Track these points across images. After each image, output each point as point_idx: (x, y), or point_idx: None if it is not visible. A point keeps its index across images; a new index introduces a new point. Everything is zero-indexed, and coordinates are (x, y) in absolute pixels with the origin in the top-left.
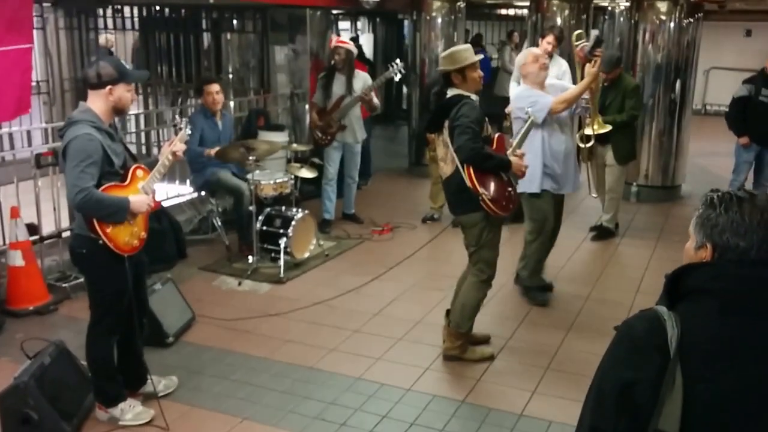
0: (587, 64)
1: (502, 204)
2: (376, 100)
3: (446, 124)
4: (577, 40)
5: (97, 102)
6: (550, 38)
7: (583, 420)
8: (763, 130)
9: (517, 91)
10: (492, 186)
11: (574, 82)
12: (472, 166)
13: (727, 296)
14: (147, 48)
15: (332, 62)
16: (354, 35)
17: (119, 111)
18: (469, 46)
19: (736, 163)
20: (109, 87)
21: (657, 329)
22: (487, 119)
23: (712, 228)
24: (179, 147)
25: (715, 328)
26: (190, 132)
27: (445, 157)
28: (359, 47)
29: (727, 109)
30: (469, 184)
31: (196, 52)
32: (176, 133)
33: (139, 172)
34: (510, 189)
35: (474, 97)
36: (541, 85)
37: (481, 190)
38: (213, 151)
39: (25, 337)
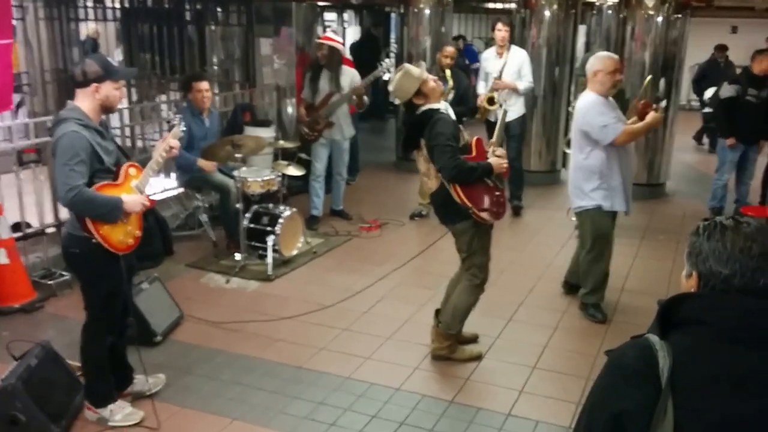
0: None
1: (492, 211)
2: (365, 98)
3: (422, 141)
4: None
5: (84, 100)
6: (499, 25)
7: None
8: (749, 129)
9: (590, 101)
10: (480, 197)
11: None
12: (458, 183)
13: (719, 328)
14: (129, 40)
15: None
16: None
17: (107, 109)
18: (407, 65)
19: (720, 162)
20: (94, 85)
21: (649, 359)
22: (462, 127)
23: (696, 256)
24: (174, 143)
25: (707, 360)
26: (184, 129)
27: (428, 172)
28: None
29: (710, 108)
30: (458, 200)
31: (180, 44)
32: (169, 130)
33: (132, 170)
34: (498, 193)
35: (443, 106)
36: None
37: (470, 204)
38: (204, 163)
39: (11, 335)
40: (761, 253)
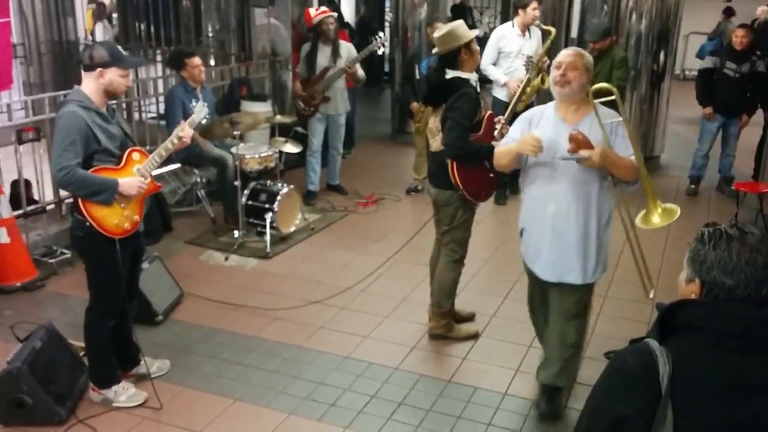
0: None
1: (481, 194)
2: (360, 72)
3: (443, 105)
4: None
5: (89, 84)
6: (534, 4)
7: None
8: (727, 101)
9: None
10: (474, 179)
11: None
12: (458, 162)
13: (719, 335)
14: (125, 9)
15: (316, 33)
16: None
17: (111, 95)
18: (459, 21)
19: (701, 132)
20: (99, 69)
21: (649, 365)
22: (482, 102)
23: (700, 264)
24: (187, 132)
25: (706, 366)
26: (207, 115)
27: (435, 132)
28: (339, 13)
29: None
30: (451, 178)
31: (175, 14)
32: (185, 118)
33: (136, 155)
34: (492, 175)
35: (474, 79)
36: (563, 103)
37: (461, 186)
38: (200, 139)
39: (13, 314)
40: (765, 265)
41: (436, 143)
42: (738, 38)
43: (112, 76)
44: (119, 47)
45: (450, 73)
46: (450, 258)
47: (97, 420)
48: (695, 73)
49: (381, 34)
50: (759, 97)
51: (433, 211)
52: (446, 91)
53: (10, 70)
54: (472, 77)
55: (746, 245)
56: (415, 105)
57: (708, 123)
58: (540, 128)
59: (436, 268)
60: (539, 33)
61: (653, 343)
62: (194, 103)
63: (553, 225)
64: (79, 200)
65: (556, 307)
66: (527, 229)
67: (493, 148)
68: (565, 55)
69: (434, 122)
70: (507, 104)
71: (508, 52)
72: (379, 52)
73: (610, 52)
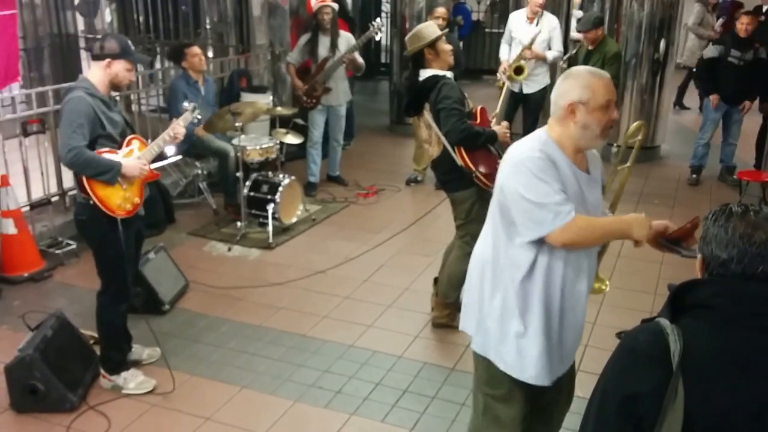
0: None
1: (493, 176)
2: (360, 60)
3: (427, 106)
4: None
5: (96, 72)
6: None
7: (585, 429)
8: (732, 89)
9: (529, 152)
10: (484, 161)
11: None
12: (464, 146)
13: (729, 313)
14: (123, 1)
15: (316, 22)
16: None
17: (115, 86)
18: (430, 22)
19: (703, 121)
20: (108, 60)
21: (660, 343)
22: (466, 95)
23: (703, 239)
24: (180, 131)
25: (716, 344)
26: (200, 116)
27: (429, 139)
28: (341, 3)
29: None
30: (461, 163)
31: (174, 6)
32: (168, 111)
33: (135, 142)
34: (499, 161)
35: (449, 75)
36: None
37: (473, 167)
38: (201, 132)
39: (22, 304)
40: (763, 241)
41: (432, 149)
42: (743, 25)
43: (119, 68)
44: (129, 42)
45: (423, 74)
46: (463, 251)
47: (107, 406)
48: (694, 61)
49: (378, 19)
50: (760, 84)
51: (452, 208)
52: (425, 89)
53: (17, 62)
54: (447, 74)
55: (744, 221)
56: None
57: (712, 112)
58: (565, 179)
59: (448, 259)
60: (551, 25)
61: (664, 322)
62: (186, 104)
63: (576, 320)
64: (84, 179)
65: (565, 402)
66: (549, 324)
67: (495, 132)
68: (610, 88)
69: (425, 132)
70: (514, 93)
71: (515, 37)
72: (377, 38)
73: (602, 47)
